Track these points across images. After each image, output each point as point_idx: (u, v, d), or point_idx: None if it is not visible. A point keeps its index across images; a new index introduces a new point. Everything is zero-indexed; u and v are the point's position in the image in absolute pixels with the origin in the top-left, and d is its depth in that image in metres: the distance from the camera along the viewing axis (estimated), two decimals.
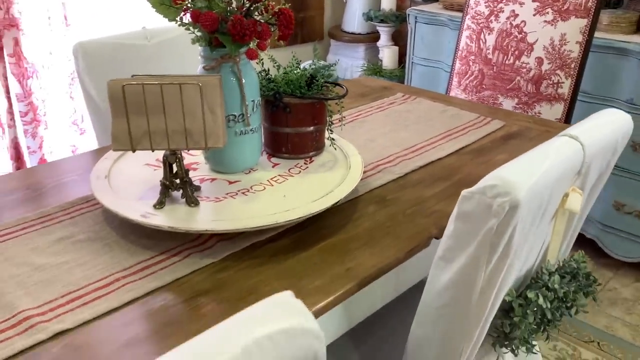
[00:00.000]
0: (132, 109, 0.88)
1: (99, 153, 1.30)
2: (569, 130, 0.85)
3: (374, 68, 2.84)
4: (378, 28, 2.88)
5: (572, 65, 1.66)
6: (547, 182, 0.75)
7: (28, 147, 2.19)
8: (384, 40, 2.89)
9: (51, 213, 1.02)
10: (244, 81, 0.97)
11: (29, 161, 2.20)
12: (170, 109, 0.88)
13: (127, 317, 0.78)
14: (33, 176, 1.22)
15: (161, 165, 1.10)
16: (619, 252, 2.19)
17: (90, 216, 1.02)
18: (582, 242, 2.27)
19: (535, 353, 0.97)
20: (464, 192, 0.74)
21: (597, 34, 1.84)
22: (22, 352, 0.71)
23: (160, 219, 0.90)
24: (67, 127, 2.34)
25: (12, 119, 2.12)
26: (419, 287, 0.97)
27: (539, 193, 0.74)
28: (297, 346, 0.45)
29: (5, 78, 2.06)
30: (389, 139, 1.36)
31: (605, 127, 0.89)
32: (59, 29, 2.21)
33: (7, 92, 2.08)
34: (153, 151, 0.91)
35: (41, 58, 2.17)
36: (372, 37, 2.96)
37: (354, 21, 2.96)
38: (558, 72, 1.68)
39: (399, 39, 2.97)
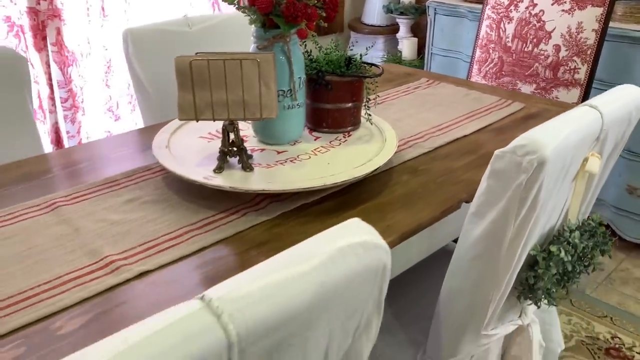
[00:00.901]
0: (197, 83, 0.99)
1: (146, 131, 1.41)
2: (589, 101, 0.94)
3: (394, 59, 2.93)
4: (397, 20, 2.97)
5: (589, 52, 1.75)
6: (570, 143, 0.85)
7: (67, 132, 2.31)
8: (403, 32, 2.99)
9: (117, 179, 1.14)
10: (292, 60, 1.08)
11: (68, 145, 2.32)
12: (230, 82, 0.99)
13: (198, 261, 0.89)
14: (93, 150, 1.34)
15: (213, 137, 1.21)
16: (632, 234, 2.27)
17: (152, 182, 1.13)
18: None
19: (555, 305, 1.07)
20: (497, 151, 0.84)
21: (611, 24, 1.93)
22: (112, 288, 0.82)
23: (221, 181, 1.01)
24: (103, 114, 2.46)
25: (54, 104, 2.24)
26: (448, 253, 1.08)
27: (562, 153, 0.84)
28: (371, 257, 0.56)
29: (48, 65, 2.18)
30: (416, 119, 1.46)
31: (621, 100, 0.98)
32: (96, 20, 2.33)
33: (50, 79, 2.20)
34: (214, 121, 1.02)
35: (80, 47, 2.29)
36: (391, 29, 3.06)
37: (373, 13, 3.06)
38: (575, 58, 1.77)
39: (417, 30, 3.07)
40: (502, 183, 0.85)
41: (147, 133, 1.41)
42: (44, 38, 2.15)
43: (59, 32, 2.18)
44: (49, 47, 2.16)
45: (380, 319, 0.63)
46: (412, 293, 1.29)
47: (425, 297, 1.26)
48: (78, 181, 1.15)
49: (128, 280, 0.84)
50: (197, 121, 1.02)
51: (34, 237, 0.94)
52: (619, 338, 1.87)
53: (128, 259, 0.88)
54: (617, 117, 0.96)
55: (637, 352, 1.81)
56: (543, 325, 1.28)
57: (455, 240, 1.04)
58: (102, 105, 2.45)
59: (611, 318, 1.97)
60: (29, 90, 1.39)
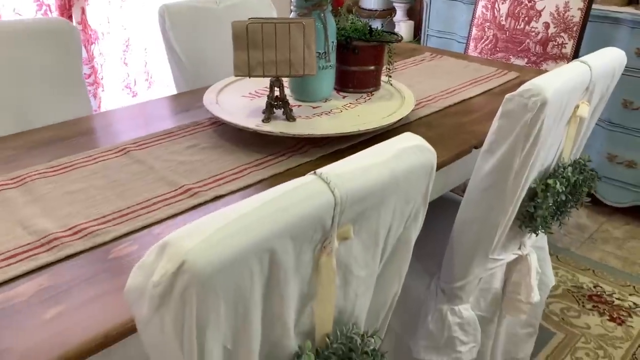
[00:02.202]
0: (251, 44, 1.16)
1: (182, 96, 1.58)
2: (580, 58, 1.14)
3: None
4: (394, 4, 3.16)
5: (574, 29, 1.95)
6: (566, 89, 1.04)
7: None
8: (399, 15, 3.17)
9: (173, 131, 1.31)
10: (327, 26, 1.25)
11: None
12: (279, 43, 1.16)
13: (261, 189, 1.06)
14: (139, 110, 1.50)
15: (254, 96, 1.39)
16: (612, 199, 2.50)
17: (205, 133, 1.30)
18: None
19: (551, 233, 1.27)
20: (507, 95, 1.03)
21: (595, 6, 2.14)
22: (195, 207, 0.99)
23: (270, 128, 1.19)
24: (120, 90, 2.61)
25: None
26: (455, 203, 1.27)
27: (560, 96, 1.03)
28: (424, 156, 0.74)
29: None
30: (425, 85, 1.65)
31: (606, 57, 1.18)
32: (116, 1, 2.47)
33: None
34: (264, 77, 1.19)
35: (101, 26, 2.43)
36: (388, 13, 3.24)
37: None
38: (562, 34, 1.97)
39: (412, 14, 3.26)
40: (510, 122, 1.04)
41: (184, 97, 1.57)
42: (70, 17, 2.29)
43: (83, 11, 2.32)
44: (75, 26, 2.30)
45: (424, 213, 0.82)
46: (426, 232, 1.47)
47: (438, 236, 1.45)
48: (137, 133, 1.31)
49: (205, 202, 1.01)
50: (250, 77, 1.19)
51: (117, 173, 1.10)
52: (601, 287, 2.10)
53: (202, 187, 1.05)
54: (603, 71, 1.15)
55: (616, 298, 2.03)
56: (537, 260, 1.48)
57: (456, 192, 1.24)
58: (120, 82, 2.59)
59: (593, 271, 2.19)
60: (80, 58, 1.54)
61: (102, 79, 2.51)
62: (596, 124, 2.37)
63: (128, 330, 0.72)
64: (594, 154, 2.44)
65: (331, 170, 0.65)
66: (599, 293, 2.06)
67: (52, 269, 0.82)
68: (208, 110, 1.35)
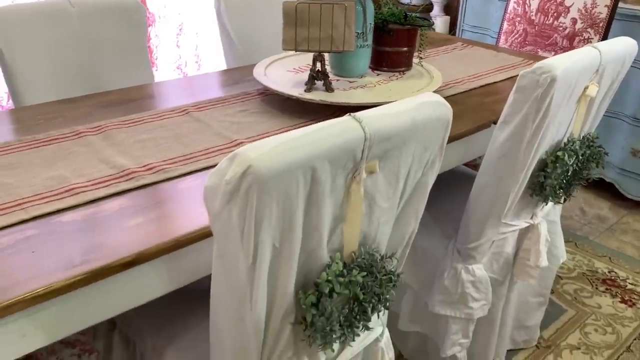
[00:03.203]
0: (299, 22, 1.33)
1: (232, 71, 1.76)
2: (592, 44, 1.27)
3: None
4: (432, 0, 3.29)
5: (601, 25, 2.06)
6: (575, 69, 1.18)
7: None
8: (436, 10, 3.30)
9: (226, 99, 1.49)
10: (366, 8, 1.41)
11: None
12: (323, 22, 1.32)
13: None
14: (194, 81, 1.69)
15: (297, 71, 1.55)
16: (634, 192, 2.58)
17: (253, 101, 1.48)
18: (603, 185, 2.68)
19: (560, 202, 1.40)
20: (522, 72, 1.17)
21: (623, 5, 2.23)
22: None
23: (312, 96, 1.36)
24: (172, 71, 2.82)
25: None
26: (470, 177, 1.41)
27: (569, 75, 1.17)
28: (441, 110, 0.90)
29: None
30: (454, 70, 1.79)
31: (617, 45, 1.30)
32: None
33: None
34: (308, 52, 1.36)
35: (158, 10, 2.65)
36: (425, 8, 3.37)
37: None
38: (589, 30, 2.08)
39: (449, 10, 3.38)
40: (524, 96, 1.18)
41: (234, 72, 1.75)
42: None
43: None
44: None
45: (440, 162, 0.97)
46: (445, 200, 1.62)
47: (455, 204, 1.59)
48: (194, 99, 1.50)
49: None
50: (295, 51, 1.36)
51: (179, 128, 1.29)
52: (615, 272, 2.19)
53: (249, 142, 1.23)
54: (613, 57, 1.28)
55: (629, 283, 2.13)
56: (548, 233, 1.60)
57: (470, 166, 1.38)
58: (173, 63, 2.81)
59: (610, 258, 2.29)
60: (145, 33, 1.74)
61: (156, 59, 2.72)
62: (620, 119, 2.48)
63: (192, 239, 0.89)
64: (618, 149, 2.53)
65: (363, 113, 0.81)
66: (613, 278, 2.16)
67: (131, 194, 1.01)
68: (256, 83, 1.53)
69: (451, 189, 1.66)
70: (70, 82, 1.58)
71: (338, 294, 0.87)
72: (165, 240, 0.87)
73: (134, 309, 1.00)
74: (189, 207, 0.98)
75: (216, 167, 0.72)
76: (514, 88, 1.21)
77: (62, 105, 1.40)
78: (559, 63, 1.15)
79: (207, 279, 0.96)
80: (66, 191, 0.99)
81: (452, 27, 3.22)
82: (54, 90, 1.54)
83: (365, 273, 0.88)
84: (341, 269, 0.87)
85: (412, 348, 1.71)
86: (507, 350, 1.76)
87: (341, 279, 0.86)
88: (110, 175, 1.06)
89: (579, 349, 1.81)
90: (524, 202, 1.41)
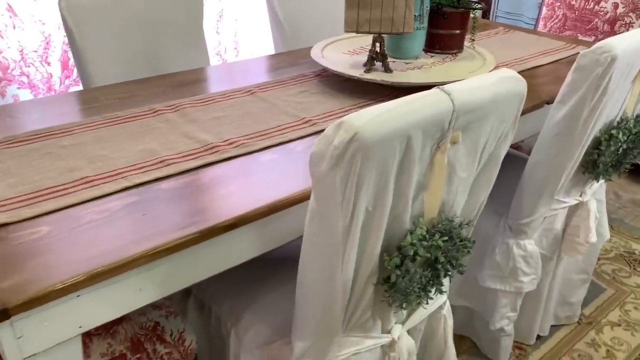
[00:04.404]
0: (361, 4, 1.38)
1: (283, 55, 1.82)
2: None
3: None
4: None
5: None
6: (632, 49, 1.22)
7: None
8: None
9: (285, 80, 1.55)
10: None
11: None
12: (384, 4, 1.38)
13: None
14: (249, 65, 1.75)
15: (353, 53, 1.61)
16: None
17: (311, 83, 1.54)
18: (637, 171, 2.70)
19: (611, 180, 1.45)
20: (582, 52, 1.22)
21: None
22: (314, 133, 1.23)
23: (372, 76, 1.41)
24: (212, 57, 2.88)
25: None
26: (522, 160, 1.45)
27: (627, 54, 1.21)
28: (518, 85, 0.95)
29: None
30: (498, 54, 1.83)
31: None
32: None
33: None
34: (369, 33, 1.42)
35: None
36: None
37: None
38: (630, 14, 2.10)
39: None
40: (583, 75, 1.23)
41: (286, 56, 1.81)
42: None
43: None
44: None
45: (512, 136, 1.02)
46: (497, 180, 1.67)
47: (506, 184, 1.64)
48: (254, 80, 1.56)
49: (323, 130, 1.24)
50: (357, 33, 1.42)
51: (248, 107, 1.36)
52: None
53: (319, 119, 1.29)
54: None
55: None
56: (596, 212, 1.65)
57: (525, 151, 1.43)
58: (212, 49, 2.87)
59: None
60: (202, 18, 1.81)
61: None
62: None
63: (284, 205, 0.96)
64: None
65: (451, 86, 0.86)
66: None
67: (218, 166, 1.08)
68: (312, 65, 1.59)
69: (502, 169, 1.71)
70: (134, 64, 1.65)
71: (420, 257, 0.93)
72: (261, 205, 0.94)
73: (209, 277, 1.08)
74: (274, 177, 1.05)
75: (322, 134, 0.79)
76: (572, 68, 1.25)
77: (134, 85, 1.47)
78: (619, 42, 1.20)
79: (280, 247, 1.04)
80: (159, 162, 1.06)
81: (485, 14, 3.24)
82: (120, 72, 1.61)
83: (446, 238, 0.95)
84: (424, 233, 0.93)
85: (460, 322, 1.77)
86: (550, 326, 1.82)
87: (424, 243, 0.93)
88: (196, 148, 1.13)
89: (620, 325, 1.86)
90: (576, 179, 1.46)
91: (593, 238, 1.51)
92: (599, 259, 2.18)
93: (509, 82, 0.94)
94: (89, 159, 1.08)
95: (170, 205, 0.93)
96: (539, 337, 1.78)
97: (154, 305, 1.15)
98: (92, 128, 1.20)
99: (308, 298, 0.97)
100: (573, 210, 1.55)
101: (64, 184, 0.98)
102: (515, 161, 1.74)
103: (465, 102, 0.86)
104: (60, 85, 2.42)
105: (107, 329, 1.07)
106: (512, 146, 2.02)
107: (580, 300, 1.84)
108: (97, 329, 1.07)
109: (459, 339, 1.77)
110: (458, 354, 1.61)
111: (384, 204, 0.86)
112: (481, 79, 0.92)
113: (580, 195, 1.53)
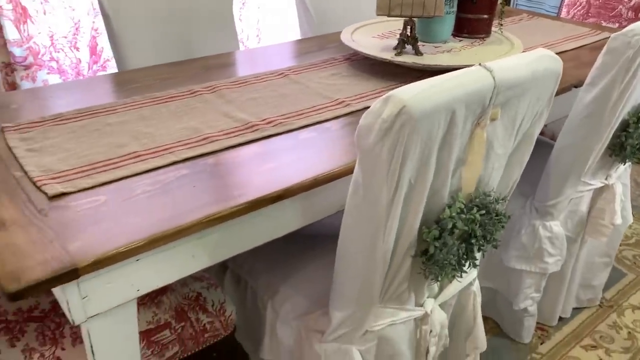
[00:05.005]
0: None
1: (309, 40, 1.84)
2: None
3: None
4: None
5: None
6: None
7: None
8: None
9: (317, 64, 1.58)
10: None
11: None
12: None
13: None
14: (279, 49, 1.79)
15: (383, 37, 1.64)
16: None
17: (342, 66, 1.57)
18: None
19: (637, 163, 1.47)
20: (612, 35, 1.24)
21: None
22: (347, 114, 1.26)
23: (404, 59, 1.44)
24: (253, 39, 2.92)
25: None
26: (549, 146, 1.47)
27: None
28: (555, 65, 0.98)
29: None
30: (524, 39, 1.85)
31: None
32: None
33: None
34: (401, 17, 1.44)
35: None
36: None
37: None
38: None
39: None
40: (614, 57, 1.25)
41: (314, 40, 1.84)
42: None
43: None
44: None
45: (547, 114, 1.05)
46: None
47: (532, 168, 1.66)
48: (286, 64, 1.59)
49: (357, 111, 1.28)
50: (388, 16, 1.44)
51: (282, 89, 1.39)
52: None
53: (352, 101, 1.32)
54: None
55: None
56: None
57: (548, 135, 1.45)
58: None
59: None
60: (232, 3, 1.84)
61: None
62: None
63: (326, 179, 1.00)
64: None
65: (492, 63, 0.89)
66: None
67: (258, 143, 1.11)
68: (341, 49, 1.62)
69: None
70: (167, 48, 1.69)
71: (458, 230, 0.97)
72: (305, 178, 0.97)
73: (247, 251, 1.12)
74: (314, 154, 1.09)
75: (370, 108, 0.82)
76: (602, 51, 1.28)
77: (170, 67, 1.51)
78: None
79: (313, 225, 1.07)
80: (203, 139, 1.10)
81: (506, 2, 3.24)
82: (153, 55, 1.65)
83: (483, 211, 0.98)
84: (462, 207, 0.96)
85: (484, 303, 1.80)
86: (572, 308, 1.84)
87: (463, 216, 0.96)
88: (236, 127, 1.17)
89: None
90: (602, 162, 1.49)
91: (618, 220, 1.54)
92: (620, 244, 2.20)
93: (546, 61, 0.96)
94: (135, 135, 1.12)
95: (217, 178, 0.97)
96: (561, 319, 1.81)
97: (196, 277, 1.19)
98: (135, 107, 1.25)
99: (348, 269, 1.01)
100: (598, 193, 1.57)
101: (114, 158, 1.03)
102: (540, 145, 1.76)
103: (505, 79, 0.89)
104: (89, 70, 2.47)
105: (152, 299, 1.12)
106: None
107: (602, 284, 1.87)
108: (142, 298, 1.12)
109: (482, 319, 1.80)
110: None
111: (426, 177, 0.89)
112: (520, 57, 0.95)
113: (606, 179, 1.55)
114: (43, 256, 0.76)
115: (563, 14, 2.38)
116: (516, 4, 3.07)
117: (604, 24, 2.25)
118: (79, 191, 0.92)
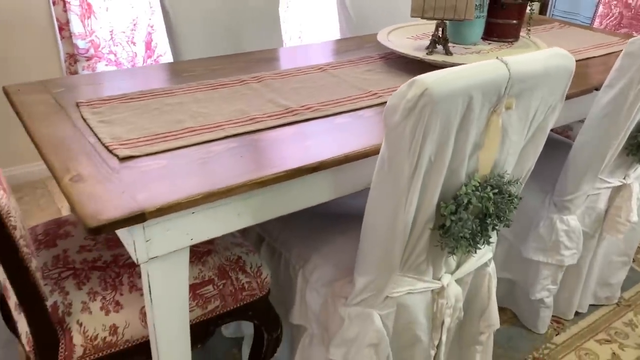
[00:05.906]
0: None
1: (349, 40, 1.98)
2: None
3: None
4: None
5: None
6: None
7: None
8: None
9: (354, 61, 1.72)
10: None
11: None
12: None
13: None
14: (318, 47, 1.93)
15: (416, 38, 1.76)
16: None
17: (376, 64, 1.70)
18: None
19: None
20: (631, 39, 1.33)
21: None
22: (377, 105, 1.39)
23: (435, 58, 1.56)
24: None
25: None
26: (567, 145, 1.56)
27: None
28: (567, 62, 1.08)
29: None
30: (553, 46, 1.94)
31: None
32: None
33: None
34: (433, 19, 1.56)
35: None
36: None
37: None
38: None
39: None
40: (632, 60, 1.34)
41: (352, 40, 1.98)
42: None
43: None
44: None
45: (560, 109, 1.15)
46: (543, 161, 1.79)
47: (551, 165, 1.76)
48: (325, 60, 1.73)
49: (378, 105, 1.40)
50: (422, 18, 1.57)
51: (320, 81, 1.53)
52: None
53: (384, 93, 1.45)
54: None
55: None
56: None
57: (572, 138, 1.54)
58: None
59: None
60: (278, 3, 2.00)
61: None
62: None
63: (356, 156, 1.13)
64: None
65: (508, 57, 1.01)
66: None
67: (298, 125, 1.25)
68: (377, 48, 1.75)
69: (547, 152, 1.83)
70: (218, 43, 1.85)
71: (473, 206, 1.08)
72: (338, 154, 1.11)
73: (281, 226, 1.24)
74: (347, 135, 1.22)
75: (396, 90, 0.95)
76: (621, 54, 1.37)
77: (221, 60, 1.67)
78: None
79: (341, 204, 1.19)
80: (249, 119, 1.25)
81: (542, 12, 3.32)
82: (206, 48, 1.82)
83: (496, 191, 1.09)
84: (477, 185, 1.08)
85: (502, 295, 1.90)
86: (589, 305, 1.91)
87: (477, 193, 1.07)
88: (279, 111, 1.31)
89: None
90: (620, 161, 1.57)
91: (634, 217, 1.61)
92: (638, 245, 2.25)
93: (559, 58, 1.07)
94: (191, 114, 1.27)
95: (262, 151, 1.12)
96: (577, 313, 1.89)
97: (236, 243, 1.34)
98: (190, 91, 1.40)
99: (372, 238, 1.14)
100: (616, 192, 1.65)
101: (173, 132, 1.18)
102: (562, 146, 1.86)
103: (519, 72, 1.00)
104: (143, 64, 2.67)
105: (199, 258, 1.26)
106: (561, 133, 2.13)
107: (620, 283, 1.93)
108: (191, 257, 1.27)
109: (500, 310, 1.89)
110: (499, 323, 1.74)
111: (444, 156, 1.01)
112: (534, 54, 1.06)
113: (624, 178, 1.63)
114: (116, 202, 0.91)
115: (595, 24, 2.45)
116: (552, 14, 3.14)
117: (635, 34, 2.31)
118: (144, 155, 1.08)
